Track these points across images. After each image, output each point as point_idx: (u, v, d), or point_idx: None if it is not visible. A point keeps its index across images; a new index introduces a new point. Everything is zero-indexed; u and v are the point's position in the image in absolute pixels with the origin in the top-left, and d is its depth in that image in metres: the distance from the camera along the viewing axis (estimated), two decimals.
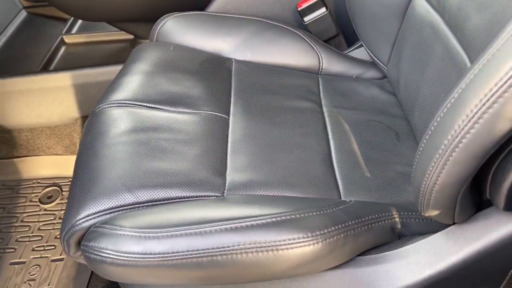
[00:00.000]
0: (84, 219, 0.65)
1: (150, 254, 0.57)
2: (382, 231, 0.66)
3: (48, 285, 1.06)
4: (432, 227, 0.65)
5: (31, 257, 1.13)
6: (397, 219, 0.67)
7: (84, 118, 1.26)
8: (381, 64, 0.98)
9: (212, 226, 0.59)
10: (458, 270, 0.59)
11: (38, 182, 1.32)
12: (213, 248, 0.57)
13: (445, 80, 0.72)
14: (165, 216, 0.62)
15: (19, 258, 1.12)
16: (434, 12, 0.78)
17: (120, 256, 0.57)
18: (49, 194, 1.28)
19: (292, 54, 1.00)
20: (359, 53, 1.05)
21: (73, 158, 1.31)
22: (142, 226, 0.59)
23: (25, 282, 1.07)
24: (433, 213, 0.56)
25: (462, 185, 0.50)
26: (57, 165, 1.32)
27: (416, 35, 0.83)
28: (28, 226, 1.20)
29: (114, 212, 0.65)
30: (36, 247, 1.15)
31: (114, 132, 0.77)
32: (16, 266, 1.11)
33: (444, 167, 0.48)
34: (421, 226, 0.67)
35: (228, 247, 0.58)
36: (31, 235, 1.18)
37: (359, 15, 0.98)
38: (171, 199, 0.67)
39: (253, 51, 1.00)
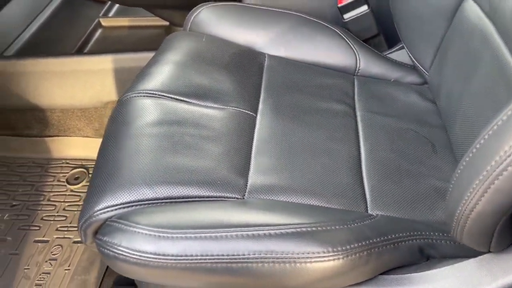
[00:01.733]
0: (101, 211, 0.64)
1: (164, 255, 0.55)
2: (409, 251, 0.62)
3: (68, 266, 1.07)
4: (464, 251, 0.60)
5: (55, 236, 1.14)
6: (426, 240, 0.62)
7: (113, 102, 1.26)
8: (422, 69, 0.92)
9: (229, 232, 0.57)
10: None
11: (67, 163, 1.33)
12: (228, 255, 0.55)
13: (492, 94, 0.67)
14: (182, 216, 0.61)
15: (43, 237, 1.14)
16: (485, 18, 0.71)
17: (133, 254, 0.56)
18: (76, 176, 1.30)
19: (328, 52, 0.96)
20: (400, 55, 0.99)
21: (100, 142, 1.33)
22: (157, 225, 0.58)
23: (46, 261, 1.09)
24: (467, 240, 0.51)
25: (502, 215, 0.45)
26: (86, 147, 1.33)
27: (464, 41, 0.77)
28: (54, 205, 1.22)
29: (132, 206, 0.64)
30: (60, 227, 1.17)
31: (139, 123, 0.75)
32: (39, 244, 1.13)
33: (484, 195, 0.43)
34: (452, 249, 0.62)
35: (244, 255, 0.55)
36: (56, 214, 1.20)
37: (402, 15, 0.93)
38: (190, 198, 0.65)
39: (287, 47, 0.96)
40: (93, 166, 1.32)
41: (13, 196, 1.25)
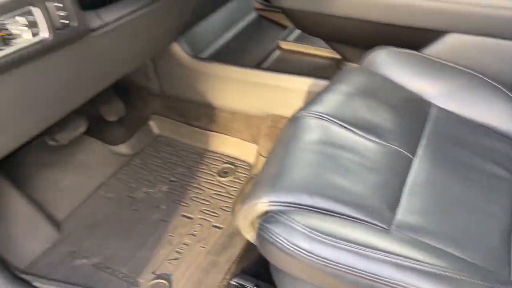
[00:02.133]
0: (265, 203, 0.74)
1: (315, 255, 0.63)
2: None
3: (205, 245, 1.22)
4: None
5: (198, 216, 1.31)
6: None
7: (274, 116, 1.40)
8: None
9: (376, 253, 0.62)
10: None
11: (220, 157, 1.52)
12: (372, 273, 0.61)
13: None
14: (334, 227, 0.68)
15: (189, 213, 1.32)
16: None
17: (290, 246, 0.65)
18: (226, 170, 1.47)
19: (499, 115, 0.96)
20: None
21: (253, 147, 1.48)
22: (314, 228, 0.66)
23: (188, 235, 1.26)
24: None
25: None
26: (240, 148, 1.50)
27: None
28: (203, 190, 1.40)
29: (291, 207, 0.73)
30: (204, 209, 1.33)
31: (307, 138, 0.86)
32: (185, 218, 1.31)
33: None
34: None
35: (386, 278, 0.60)
36: (202, 198, 1.37)
37: None
38: (342, 215, 0.73)
39: (457, 103, 0.98)
40: (241, 165, 1.49)
41: (172, 173, 1.47)
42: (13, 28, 0.72)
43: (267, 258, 0.72)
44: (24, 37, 0.73)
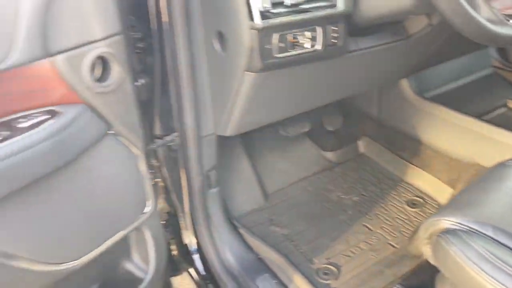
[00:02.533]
0: (449, 221, 0.86)
1: (486, 273, 0.73)
2: None
3: (376, 255, 1.35)
4: None
5: (377, 231, 1.45)
6: None
7: (479, 166, 1.43)
8: None
9: None
10: None
11: (412, 189, 1.62)
12: None
13: None
14: (510, 258, 0.75)
15: (370, 226, 1.47)
16: None
17: (464, 258, 0.76)
18: (414, 202, 1.56)
19: None
20: None
21: (447, 189, 1.54)
22: (490, 251, 0.75)
23: (364, 242, 1.41)
24: None
25: None
26: (434, 186, 1.57)
27: None
28: (388, 211, 1.53)
29: (472, 232, 0.83)
30: (384, 227, 1.47)
31: (509, 183, 0.93)
32: (365, 228, 1.47)
33: None
34: None
35: None
36: (385, 217, 1.51)
37: None
38: None
39: None
40: (431, 203, 1.57)
41: (365, 189, 1.64)
42: (301, 39, 1.01)
43: (438, 266, 0.84)
44: (305, 46, 1.02)
